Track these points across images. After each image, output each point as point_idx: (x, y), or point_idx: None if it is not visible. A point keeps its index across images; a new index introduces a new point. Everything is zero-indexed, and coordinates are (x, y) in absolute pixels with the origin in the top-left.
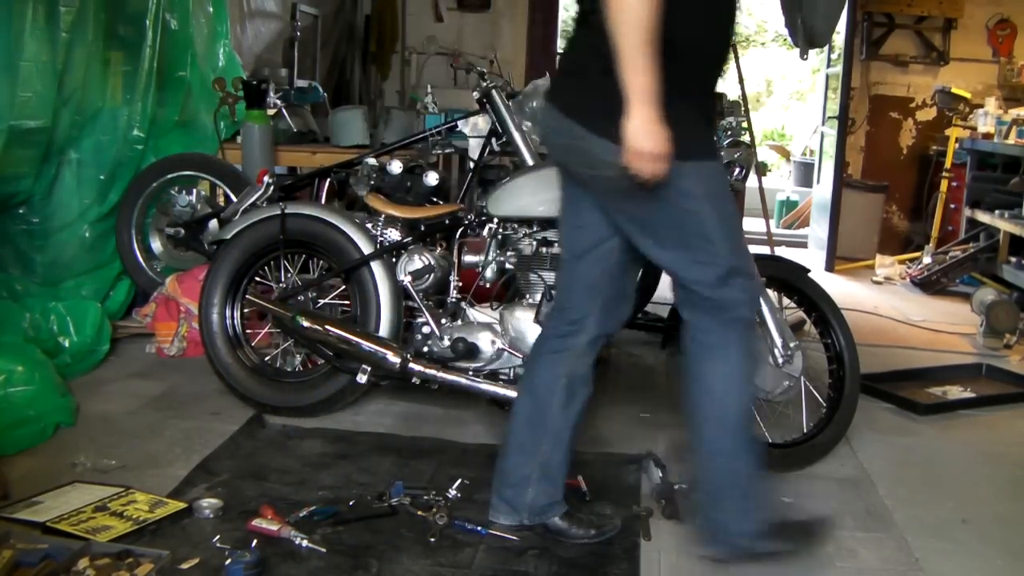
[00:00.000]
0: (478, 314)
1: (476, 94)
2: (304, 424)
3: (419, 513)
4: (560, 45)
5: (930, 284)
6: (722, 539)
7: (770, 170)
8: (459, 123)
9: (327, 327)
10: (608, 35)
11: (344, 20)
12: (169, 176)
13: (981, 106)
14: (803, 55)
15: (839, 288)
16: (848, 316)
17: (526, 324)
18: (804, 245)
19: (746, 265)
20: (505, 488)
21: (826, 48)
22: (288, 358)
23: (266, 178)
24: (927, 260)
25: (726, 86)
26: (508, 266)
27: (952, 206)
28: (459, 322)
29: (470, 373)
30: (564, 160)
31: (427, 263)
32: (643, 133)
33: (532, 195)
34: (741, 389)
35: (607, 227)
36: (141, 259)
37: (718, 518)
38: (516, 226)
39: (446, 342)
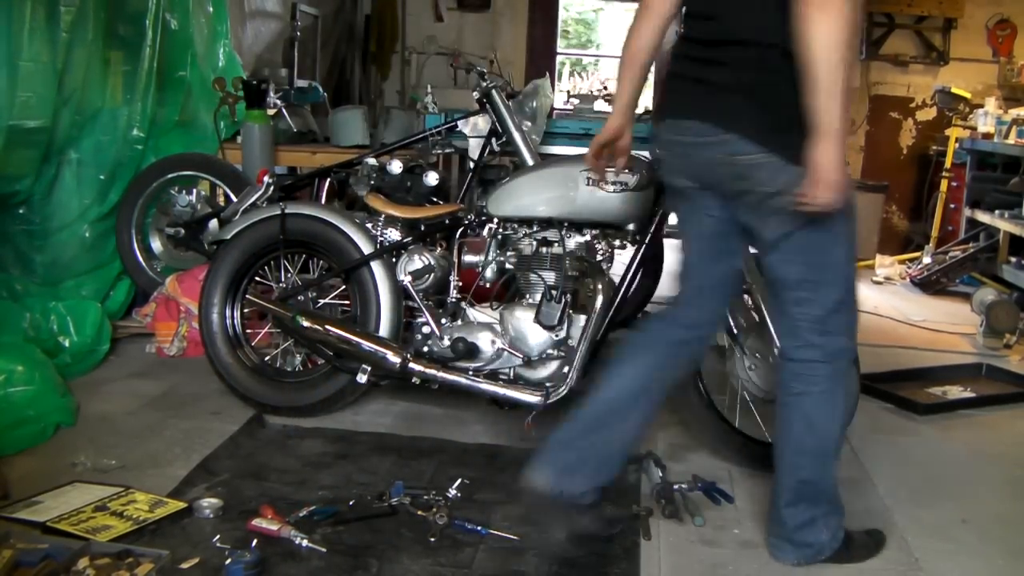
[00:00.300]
0: (478, 314)
1: (476, 94)
2: (304, 424)
3: (419, 513)
4: (660, 55)
5: (930, 284)
6: (811, 554)
7: None
8: (459, 123)
9: (327, 327)
10: (805, 63)
11: (344, 20)
12: (169, 176)
13: (981, 106)
14: None
15: None
16: None
17: (526, 324)
18: None
19: (855, 297)
20: (566, 451)
21: None
22: (288, 358)
23: (266, 178)
24: (927, 260)
25: None
26: (508, 266)
27: (952, 206)
28: (459, 322)
29: (470, 373)
30: (704, 174)
31: (427, 263)
32: (835, 165)
33: (532, 195)
34: (840, 422)
35: (725, 232)
36: (141, 259)
37: (814, 539)
38: (516, 226)
39: (446, 342)
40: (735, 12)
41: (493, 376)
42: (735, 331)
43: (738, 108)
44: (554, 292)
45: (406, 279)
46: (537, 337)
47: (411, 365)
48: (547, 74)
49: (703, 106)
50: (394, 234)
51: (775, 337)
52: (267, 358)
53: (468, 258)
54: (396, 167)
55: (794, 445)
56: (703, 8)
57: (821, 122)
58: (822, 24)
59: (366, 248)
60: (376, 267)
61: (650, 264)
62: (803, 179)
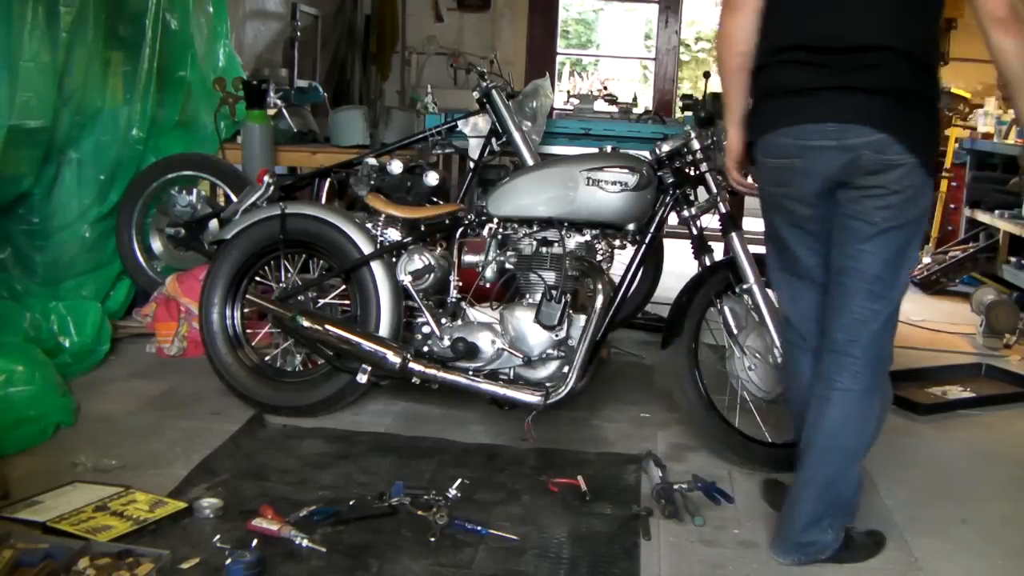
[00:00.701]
0: (478, 314)
1: (476, 94)
2: (304, 424)
3: (419, 513)
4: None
5: (930, 284)
6: (812, 553)
7: None
8: (459, 123)
9: (327, 327)
10: (1007, 78)
11: (344, 20)
12: (169, 176)
13: (981, 106)
14: None
15: None
16: None
17: (526, 324)
18: None
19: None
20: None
21: None
22: (288, 358)
23: (266, 178)
24: (927, 260)
25: None
26: (508, 266)
27: (952, 206)
28: (459, 322)
29: (470, 373)
30: (836, 174)
31: (427, 263)
32: None
33: (532, 195)
34: (874, 426)
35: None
36: (141, 259)
37: (817, 538)
38: (516, 226)
39: (446, 342)
40: (873, 19)
41: (493, 376)
42: (735, 331)
43: (886, 110)
44: (554, 292)
45: (406, 279)
46: (537, 337)
47: (411, 365)
48: (547, 74)
49: (846, 108)
50: (394, 234)
51: (774, 336)
52: (267, 358)
53: (468, 258)
54: (396, 167)
55: (824, 441)
56: (834, 15)
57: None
58: (1012, 44)
59: (366, 248)
60: (376, 267)
61: (650, 264)
62: (926, 184)
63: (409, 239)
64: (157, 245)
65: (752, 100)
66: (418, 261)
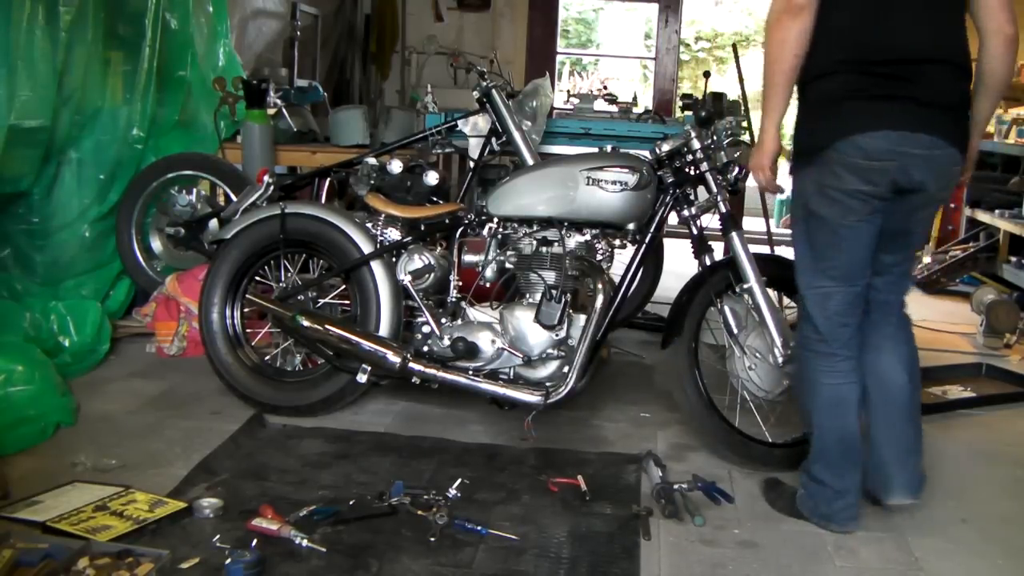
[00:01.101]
0: (478, 313)
1: (476, 94)
2: (304, 424)
3: (419, 513)
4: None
5: (930, 284)
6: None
7: None
8: (459, 123)
9: (327, 327)
10: (997, 84)
11: (344, 20)
12: (169, 176)
13: None
14: None
15: None
16: None
17: (526, 324)
18: None
19: None
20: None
21: None
22: (288, 357)
23: (266, 178)
24: (927, 260)
25: (726, 86)
26: (508, 266)
27: (952, 206)
28: (459, 321)
29: (470, 372)
30: (925, 180)
31: (427, 263)
32: None
33: (532, 195)
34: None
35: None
36: (141, 258)
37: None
38: (516, 226)
39: (446, 341)
40: (936, 32)
41: (493, 376)
42: (735, 331)
43: (953, 123)
44: (554, 292)
45: (406, 279)
46: (537, 337)
47: (411, 365)
48: (547, 74)
49: (929, 121)
50: (394, 234)
51: (774, 335)
52: (267, 358)
53: (468, 258)
54: (396, 167)
55: (912, 373)
56: (906, 26)
57: (985, 125)
58: (1010, 57)
59: (366, 248)
60: (376, 267)
61: (650, 264)
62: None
63: (409, 239)
64: (157, 245)
65: (818, 103)
66: (418, 261)
